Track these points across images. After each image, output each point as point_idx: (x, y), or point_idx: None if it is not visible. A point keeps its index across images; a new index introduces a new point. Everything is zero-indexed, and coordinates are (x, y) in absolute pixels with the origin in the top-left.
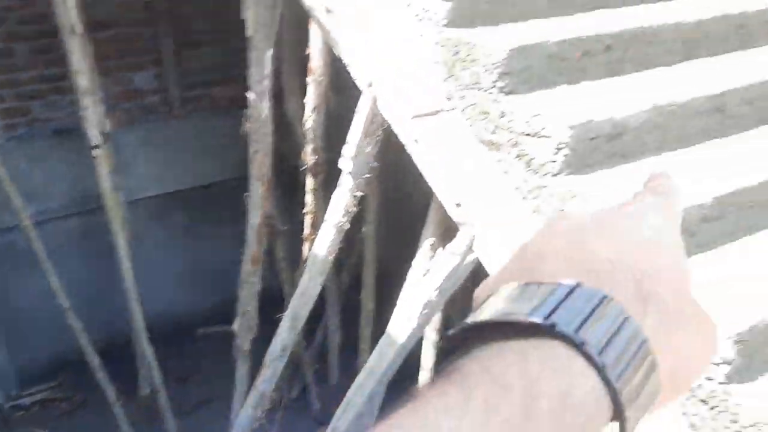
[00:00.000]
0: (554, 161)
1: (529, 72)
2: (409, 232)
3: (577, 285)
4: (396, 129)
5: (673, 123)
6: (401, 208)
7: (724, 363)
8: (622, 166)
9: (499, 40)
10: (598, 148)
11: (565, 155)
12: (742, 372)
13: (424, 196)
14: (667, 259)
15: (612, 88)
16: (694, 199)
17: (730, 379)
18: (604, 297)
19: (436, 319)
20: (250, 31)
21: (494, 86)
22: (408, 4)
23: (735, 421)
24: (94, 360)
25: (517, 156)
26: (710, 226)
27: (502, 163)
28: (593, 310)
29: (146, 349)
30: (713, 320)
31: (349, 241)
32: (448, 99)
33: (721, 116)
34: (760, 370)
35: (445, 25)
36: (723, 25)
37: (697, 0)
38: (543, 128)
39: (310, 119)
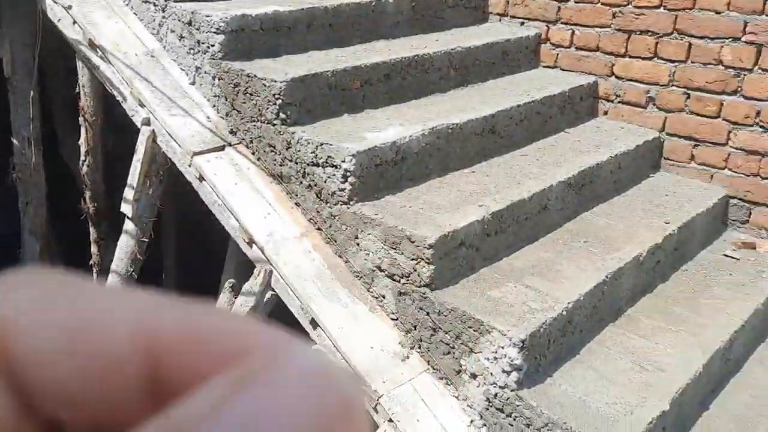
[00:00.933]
0: (343, 189)
1: (311, 102)
2: (214, 273)
3: None
4: (180, 167)
5: (453, 145)
6: (202, 249)
7: (514, 370)
8: (410, 189)
9: (278, 72)
10: (384, 174)
11: (353, 183)
12: (532, 376)
13: (221, 234)
14: None
15: (393, 114)
16: (477, 215)
17: (520, 384)
18: None
19: None
20: (7, 72)
21: (277, 118)
22: (181, 36)
23: (529, 425)
24: None
25: (308, 187)
26: (493, 240)
27: (294, 195)
28: None
29: None
30: None
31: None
32: (233, 133)
33: (495, 137)
34: (547, 371)
35: (222, 58)
36: (490, 52)
37: (466, 30)
38: (329, 157)
39: (84, 163)
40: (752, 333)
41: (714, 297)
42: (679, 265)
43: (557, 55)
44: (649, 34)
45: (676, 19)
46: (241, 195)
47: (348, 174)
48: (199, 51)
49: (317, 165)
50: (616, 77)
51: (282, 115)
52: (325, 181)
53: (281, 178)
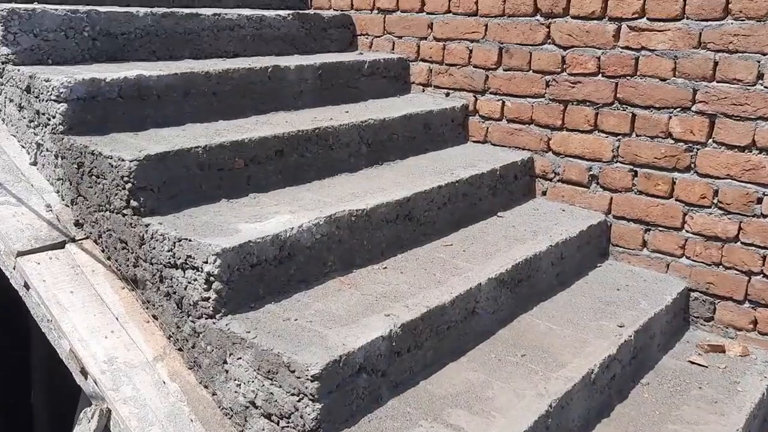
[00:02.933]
0: (207, 299)
1: (175, 186)
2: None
3: None
4: (4, 271)
5: (359, 236)
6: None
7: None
8: (300, 294)
9: (131, 149)
10: (265, 277)
11: (219, 290)
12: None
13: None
14: None
15: (286, 199)
16: (383, 328)
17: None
18: None
19: None
20: None
21: (128, 206)
22: (20, 106)
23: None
24: None
25: (166, 294)
26: (405, 360)
27: (150, 305)
28: None
29: None
30: None
31: None
32: (79, 225)
33: (413, 224)
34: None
35: (64, 132)
36: (409, 125)
37: (384, 101)
38: (189, 257)
39: None
40: None
41: (684, 421)
42: (638, 377)
43: (487, 128)
44: (588, 104)
45: (617, 87)
46: (77, 308)
47: (212, 279)
48: (39, 124)
49: (176, 267)
50: (554, 153)
51: (133, 203)
52: (185, 288)
53: (136, 282)
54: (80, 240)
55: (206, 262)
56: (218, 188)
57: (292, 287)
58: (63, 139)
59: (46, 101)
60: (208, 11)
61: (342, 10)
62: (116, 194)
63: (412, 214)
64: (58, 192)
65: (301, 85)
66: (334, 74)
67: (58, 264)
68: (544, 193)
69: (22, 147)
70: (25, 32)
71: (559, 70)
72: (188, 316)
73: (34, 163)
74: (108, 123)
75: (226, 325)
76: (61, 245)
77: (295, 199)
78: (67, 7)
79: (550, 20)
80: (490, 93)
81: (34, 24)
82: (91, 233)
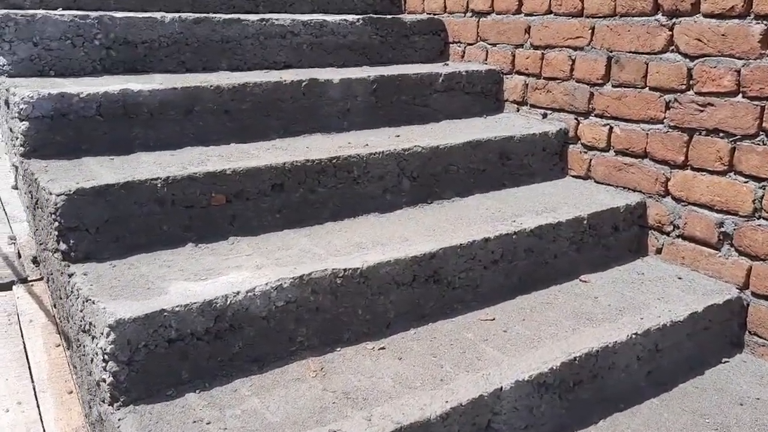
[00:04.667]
0: (104, 381)
1: (121, 226)
2: None
3: None
4: None
5: (347, 302)
6: None
7: None
8: (243, 381)
9: (81, 178)
10: (190, 355)
11: (116, 374)
12: None
13: None
14: None
15: (269, 247)
16: None
17: None
18: None
19: None
20: None
21: (58, 249)
22: (6, 122)
23: None
24: None
25: (84, 364)
26: None
27: (76, 372)
28: None
29: None
30: None
31: None
32: (35, 263)
33: (439, 287)
34: None
35: (26, 154)
36: (475, 155)
37: (461, 122)
38: (91, 325)
39: None
40: None
41: None
42: None
43: (590, 160)
44: (721, 135)
45: (763, 112)
46: None
47: (107, 357)
48: (14, 143)
49: (86, 332)
50: (673, 198)
51: (63, 245)
52: (92, 361)
53: (68, 341)
54: (32, 281)
55: (102, 335)
56: (187, 229)
57: (235, 369)
58: (23, 162)
59: (13, 118)
60: (253, 17)
61: (434, 14)
62: (49, 233)
63: (439, 275)
64: (28, 221)
65: (348, 103)
66: (395, 90)
67: None
68: (658, 251)
69: (13, 167)
70: (22, 40)
71: (684, 87)
72: (96, 397)
73: (16, 187)
74: (82, 145)
75: (119, 420)
76: (7, 286)
77: (282, 248)
78: (75, 13)
79: (673, 20)
80: (595, 115)
81: (33, 31)
82: (45, 274)
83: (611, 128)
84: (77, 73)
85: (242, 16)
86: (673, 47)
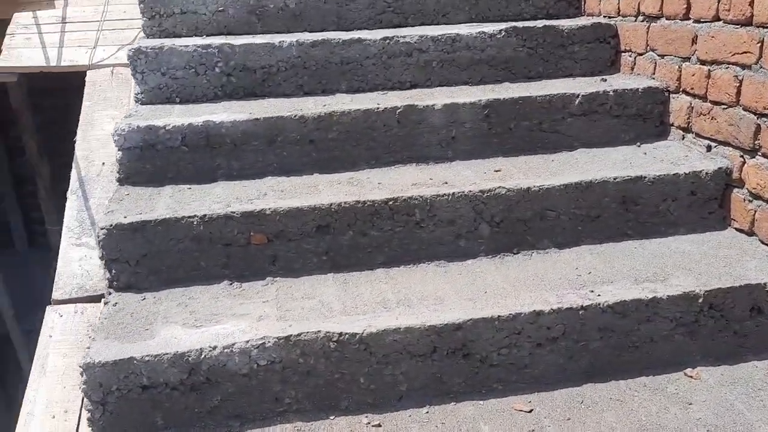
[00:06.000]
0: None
1: (160, 261)
2: None
3: None
4: None
5: (347, 369)
6: None
7: None
8: None
9: (131, 209)
10: (164, 404)
11: (95, 421)
12: None
13: None
14: None
15: (299, 293)
16: None
17: None
18: None
19: None
20: None
21: (104, 278)
22: None
23: None
24: None
25: None
26: None
27: None
28: None
29: None
30: None
31: None
32: None
33: (469, 363)
34: None
35: (120, 180)
36: (585, 198)
37: (600, 152)
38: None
39: None
40: None
41: None
42: None
43: (754, 212)
44: None
45: None
46: (56, 375)
47: (85, 394)
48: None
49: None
50: None
51: (107, 274)
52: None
53: None
54: None
55: (80, 373)
56: (225, 266)
57: (214, 422)
58: (117, 188)
59: (114, 147)
60: (376, 35)
61: (609, 16)
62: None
63: (469, 350)
64: None
65: (453, 130)
66: (514, 114)
67: (79, 320)
68: None
69: None
70: (152, 71)
71: None
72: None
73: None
74: (168, 173)
75: None
76: (97, 299)
77: (306, 296)
78: (198, 42)
79: None
80: (762, 155)
81: (161, 62)
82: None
83: None
84: (200, 100)
85: (364, 35)
86: None
